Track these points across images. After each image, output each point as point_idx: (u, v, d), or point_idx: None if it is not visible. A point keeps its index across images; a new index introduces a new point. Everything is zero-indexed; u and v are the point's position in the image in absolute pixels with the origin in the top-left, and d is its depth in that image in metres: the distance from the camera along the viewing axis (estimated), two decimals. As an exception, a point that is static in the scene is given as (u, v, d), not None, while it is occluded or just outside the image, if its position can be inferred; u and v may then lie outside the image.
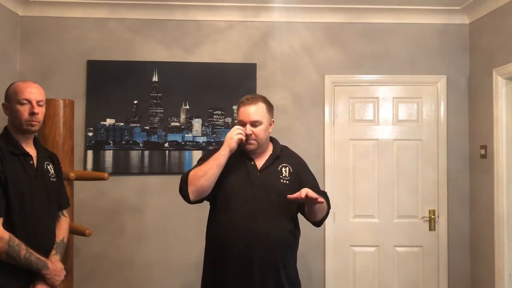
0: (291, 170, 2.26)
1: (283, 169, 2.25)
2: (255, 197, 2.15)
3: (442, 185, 3.65)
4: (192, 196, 2.14)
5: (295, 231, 2.28)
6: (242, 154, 2.24)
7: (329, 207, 2.30)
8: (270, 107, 2.28)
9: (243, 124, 2.21)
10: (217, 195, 2.20)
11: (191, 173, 2.17)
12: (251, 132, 2.19)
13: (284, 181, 2.22)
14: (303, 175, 2.30)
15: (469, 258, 3.65)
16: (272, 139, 2.35)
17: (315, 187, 2.27)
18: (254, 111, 2.20)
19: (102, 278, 3.52)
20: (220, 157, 2.14)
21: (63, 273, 2.14)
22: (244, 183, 2.19)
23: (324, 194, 2.29)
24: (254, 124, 2.19)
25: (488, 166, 3.39)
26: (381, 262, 3.65)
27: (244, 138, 2.16)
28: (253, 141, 2.20)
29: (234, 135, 2.15)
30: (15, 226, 1.98)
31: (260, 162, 2.25)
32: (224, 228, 2.16)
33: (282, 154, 2.30)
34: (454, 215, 3.66)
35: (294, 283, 2.27)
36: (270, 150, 2.30)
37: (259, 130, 2.20)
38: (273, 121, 2.31)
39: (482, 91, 3.50)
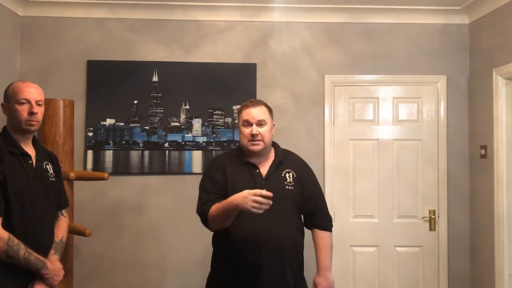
0: (295, 175, 2.27)
1: (287, 174, 2.25)
2: None
3: (442, 185, 3.65)
4: (214, 228, 2.24)
5: (302, 236, 2.29)
6: (246, 162, 2.24)
7: (331, 227, 2.38)
8: (270, 110, 2.32)
9: (249, 124, 2.21)
10: None
11: (209, 218, 2.16)
12: (257, 132, 2.19)
13: (289, 187, 2.23)
14: (306, 182, 2.31)
15: (469, 258, 3.65)
16: (273, 144, 2.35)
17: (314, 196, 2.33)
18: (259, 111, 2.23)
19: (102, 278, 3.52)
20: (231, 210, 2.06)
21: (62, 273, 2.14)
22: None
23: (323, 207, 2.36)
24: (260, 123, 2.21)
25: (488, 166, 3.39)
26: (381, 262, 3.65)
27: (259, 211, 1.96)
28: (260, 141, 2.20)
29: (250, 202, 1.93)
30: (14, 226, 1.98)
31: (264, 170, 2.24)
32: (233, 238, 2.15)
33: (284, 159, 2.30)
34: (454, 215, 3.66)
35: None
36: (272, 156, 2.30)
37: (265, 131, 2.22)
38: (274, 125, 2.33)
39: (482, 91, 3.50)
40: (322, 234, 2.31)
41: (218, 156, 2.50)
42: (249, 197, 1.91)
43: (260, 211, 1.92)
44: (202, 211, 2.19)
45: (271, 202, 1.92)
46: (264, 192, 1.92)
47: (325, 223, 2.35)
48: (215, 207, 2.11)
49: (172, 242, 3.57)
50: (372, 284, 3.64)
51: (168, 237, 3.57)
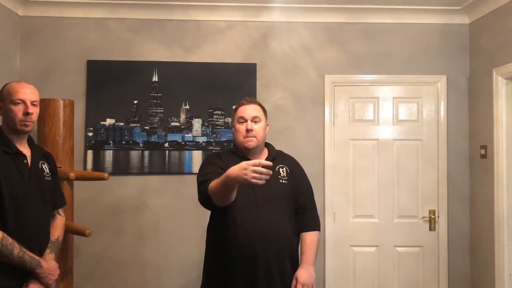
0: (288, 171, 2.31)
1: (281, 169, 2.29)
2: (257, 199, 2.17)
3: (442, 185, 3.65)
4: (219, 204, 2.11)
5: (295, 230, 2.31)
6: (241, 157, 2.27)
7: (318, 226, 2.37)
8: (265, 111, 2.36)
9: (244, 120, 2.25)
10: None
11: (211, 195, 2.07)
12: (252, 128, 2.22)
13: (283, 181, 2.26)
14: (299, 180, 2.34)
15: (469, 258, 3.65)
16: (267, 144, 2.38)
17: (305, 194, 2.34)
18: (254, 109, 2.28)
19: (102, 278, 3.52)
20: (230, 184, 1.96)
21: (57, 272, 2.14)
22: (245, 185, 2.18)
23: (309, 206, 2.35)
24: (254, 119, 2.25)
25: (488, 166, 3.38)
26: (381, 262, 3.65)
27: (260, 182, 1.86)
28: (253, 138, 2.23)
29: (250, 173, 1.81)
30: (9, 225, 1.98)
31: None
32: (228, 231, 2.17)
33: (278, 156, 2.35)
34: (454, 215, 3.66)
35: None
36: (265, 153, 2.34)
37: (259, 128, 2.26)
38: (268, 125, 2.36)
39: (482, 91, 3.50)
40: (307, 234, 2.31)
41: (214, 152, 2.51)
42: (249, 168, 1.82)
43: (261, 182, 1.83)
44: (202, 192, 2.14)
45: (271, 172, 1.84)
46: (263, 161, 1.86)
47: (311, 223, 2.33)
48: (215, 183, 2.03)
49: (171, 242, 3.57)
50: (372, 284, 3.64)
51: (168, 237, 3.57)
